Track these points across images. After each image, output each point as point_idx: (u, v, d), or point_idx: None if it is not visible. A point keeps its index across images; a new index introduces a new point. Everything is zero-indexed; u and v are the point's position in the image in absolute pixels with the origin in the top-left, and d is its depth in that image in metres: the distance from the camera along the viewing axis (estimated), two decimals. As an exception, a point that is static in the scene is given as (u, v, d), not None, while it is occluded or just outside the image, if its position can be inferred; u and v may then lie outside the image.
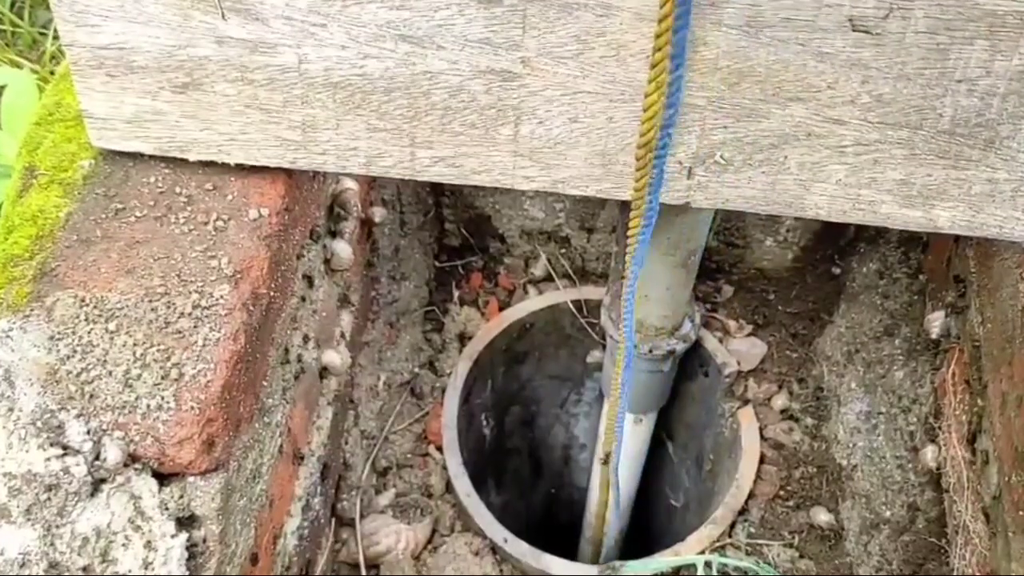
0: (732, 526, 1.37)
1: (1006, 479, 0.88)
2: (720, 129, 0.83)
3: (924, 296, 1.26)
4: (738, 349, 1.58)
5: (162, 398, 0.79)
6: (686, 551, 1.31)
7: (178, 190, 0.92)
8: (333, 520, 1.26)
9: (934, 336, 1.13)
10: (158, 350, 0.81)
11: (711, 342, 1.58)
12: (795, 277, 1.61)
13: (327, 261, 1.11)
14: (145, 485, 0.79)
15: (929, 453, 1.10)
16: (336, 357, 1.13)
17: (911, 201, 0.85)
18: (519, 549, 1.31)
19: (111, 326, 0.82)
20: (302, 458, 1.09)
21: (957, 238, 1.12)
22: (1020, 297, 0.89)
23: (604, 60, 0.80)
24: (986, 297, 0.98)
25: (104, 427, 0.78)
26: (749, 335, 1.61)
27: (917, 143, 0.81)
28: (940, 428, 1.11)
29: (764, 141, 0.83)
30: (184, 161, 0.93)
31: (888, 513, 1.22)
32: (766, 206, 0.88)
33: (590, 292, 1.65)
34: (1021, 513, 0.84)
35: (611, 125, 0.84)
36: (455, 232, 1.66)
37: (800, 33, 0.76)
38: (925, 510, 1.15)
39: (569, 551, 1.73)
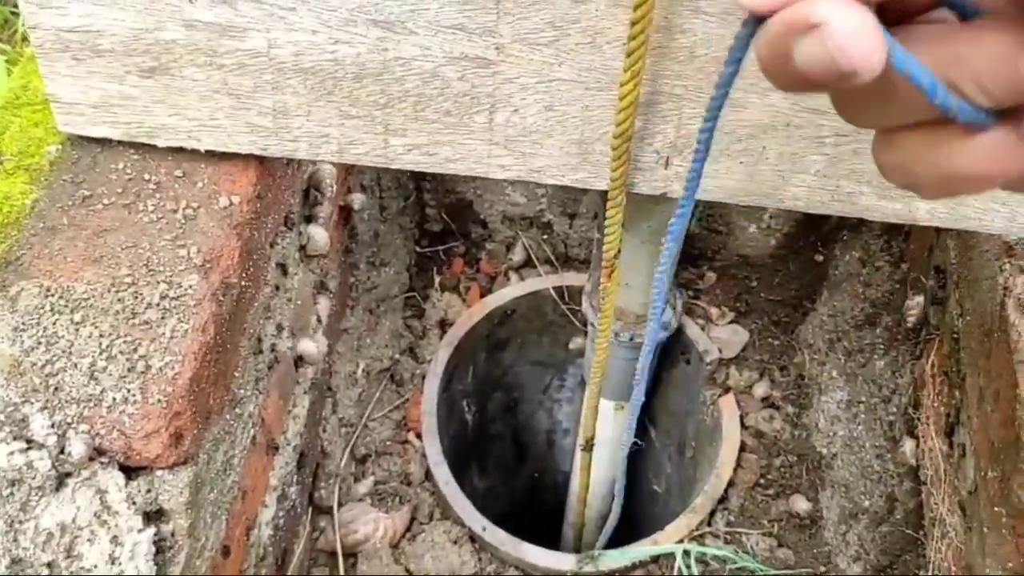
0: (712, 514, 1.37)
1: (982, 474, 0.88)
2: (698, 118, 0.81)
3: (906, 285, 1.25)
4: (720, 336, 1.57)
5: (128, 391, 0.78)
6: (664, 540, 1.31)
7: (147, 177, 0.90)
8: (310, 509, 1.25)
9: (911, 324, 1.13)
10: (125, 342, 0.80)
11: (693, 329, 1.57)
12: (778, 264, 1.60)
13: (302, 248, 1.09)
14: (111, 479, 0.78)
15: (907, 447, 1.10)
16: (312, 346, 1.11)
17: (890, 193, 0.84)
18: (498, 538, 1.31)
19: (77, 317, 0.81)
20: (277, 448, 1.07)
21: (939, 229, 1.11)
22: (999, 290, 0.88)
23: (579, 47, 0.78)
24: (965, 289, 0.98)
25: (69, 420, 0.77)
26: (731, 322, 1.60)
27: (897, 134, 0.80)
28: (919, 419, 1.11)
29: (742, 131, 0.82)
30: (153, 147, 0.91)
31: (867, 503, 1.21)
32: (744, 196, 0.86)
33: (572, 278, 1.64)
34: (996, 509, 0.83)
35: (587, 113, 0.82)
36: (436, 218, 1.64)
37: (779, 22, 0.74)
38: (903, 501, 1.15)
39: (554, 534, 1.73)
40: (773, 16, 0.29)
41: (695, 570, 1.28)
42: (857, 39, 0.27)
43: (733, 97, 0.80)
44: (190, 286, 0.83)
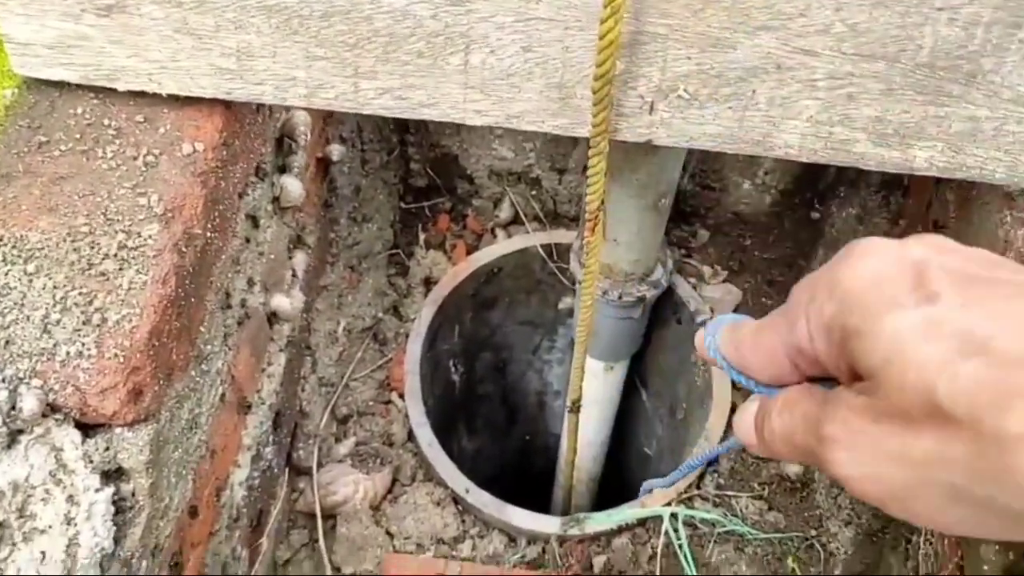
0: (701, 477, 1.34)
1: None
2: (684, 60, 0.77)
3: (903, 242, 1.21)
4: (712, 296, 1.54)
5: (83, 344, 0.74)
6: (652, 503, 1.28)
7: (106, 122, 0.86)
8: (288, 470, 1.22)
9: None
10: (80, 294, 0.76)
11: (684, 288, 1.53)
12: (773, 222, 1.56)
13: (275, 199, 1.05)
14: (67, 437, 0.74)
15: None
16: (286, 301, 1.07)
17: (887, 140, 0.80)
18: (481, 499, 1.28)
19: (30, 267, 0.77)
20: (250, 407, 1.04)
21: (938, 181, 1.07)
22: (1000, 244, 0.84)
23: (559, -17, 0.73)
24: (966, 242, 0.94)
25: (20, 375, 0.73)
26: (724, 281, 1.56)
27: (894, 77, 0.75)
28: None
29: (731, 74, 0.77)
30: (113, 91, 0.86)
31: (859, 465, 1.18)
32: (733, 144, 0.82)
33: (561, 236, 1.60)
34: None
35: (567, 55, 0.78)
36: (421, 172, 1.60)
37: (770, -46, 0.70)
38: (896, 463, 1.12)
39: (545, 497, 1.71)
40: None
41: (683, 533, 1.25)
42: (699, 343, 0.49)
43: (720, 37, 0.75)
44: (150, 236, 0.79)
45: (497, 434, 2.00)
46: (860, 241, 0.40)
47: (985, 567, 0.83)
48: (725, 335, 0.47)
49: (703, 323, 1.50)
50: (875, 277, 0.38)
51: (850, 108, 0.78)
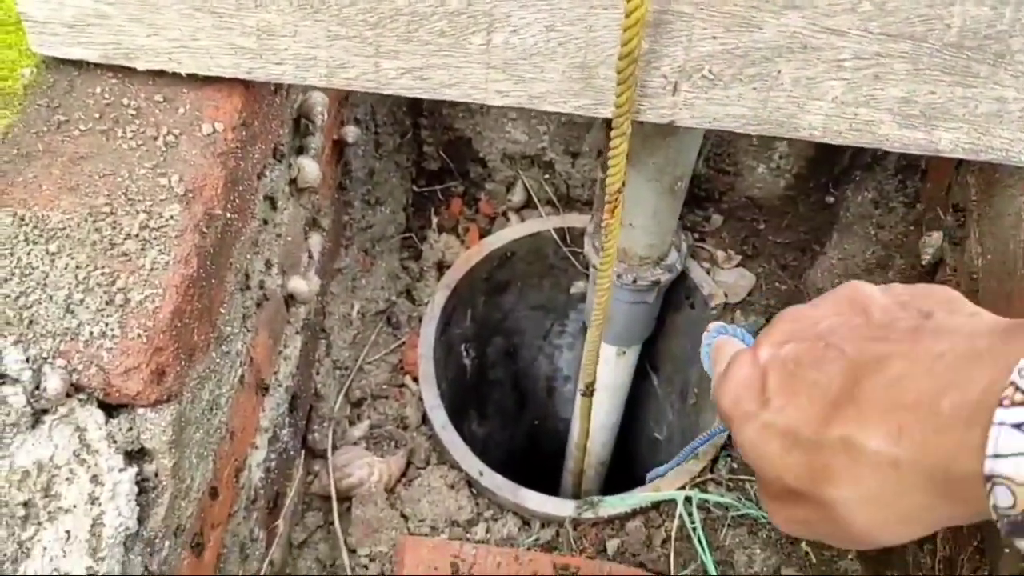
0: (714, 461, 1.34)
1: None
2: (709, 40, 0.76)
3: (921, 227, 1.21)
4: (726, 280, 1.53)
5: (106, 325, 0.74)
6: (666, 486, 1.28)
7: (126, 102, 0.85)
8: (304, 452, 1.22)
9: (926, 261, 1.08)
10: (102, 274, 0.76)
11: (698, 272, 1.53)
12: (787, 206, 1.55)
13: (293, 181, 1.05)
14: (90, 416, 0.74)
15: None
16: (303, 284, 1.07)
17: (912, 121, 0.79)
18: (495, 482, 1.28)
19: (52, 247, 0.77)
20: (267, 389, 1.04)
21: (959, 164, 1.06)
22: (1023, 227, 0.84)
23: (584, -39, 0.73)
24: (987, 226, 0.93)
25: (44, 355, 0.73)
26: (738, 265, 1.56)
27: (921, 57, 0.75)
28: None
29: (756, 54, 0.77)
30: (133, 71, 0.86)
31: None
32: (757, 126, 0.82)
33: (574, 220, 1.59)
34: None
35: (591, 34, 0.77)
36: (434, 155, 1.59)
37: (799, -68, 0.69)
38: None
39: (553, 481, 1.71)
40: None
41: (697, 517, 1.25)
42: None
43: (746, 16, 0.75)
44: (171, 216, 0.79)
45: (507, 419, 2.01)
46: (737, 354, 0.53)
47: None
48: (713, 353, 0.61)
49: (716, 307, 1.51)
50: (735, 396, 0.50)
51: (876, 89, 0.77)
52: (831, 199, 1.50)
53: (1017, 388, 0.37)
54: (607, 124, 0.84)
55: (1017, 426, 0.36)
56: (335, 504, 1.22)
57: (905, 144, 0.81)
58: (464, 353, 1.69)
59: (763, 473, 0.49)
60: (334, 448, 1.26)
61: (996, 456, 0.37)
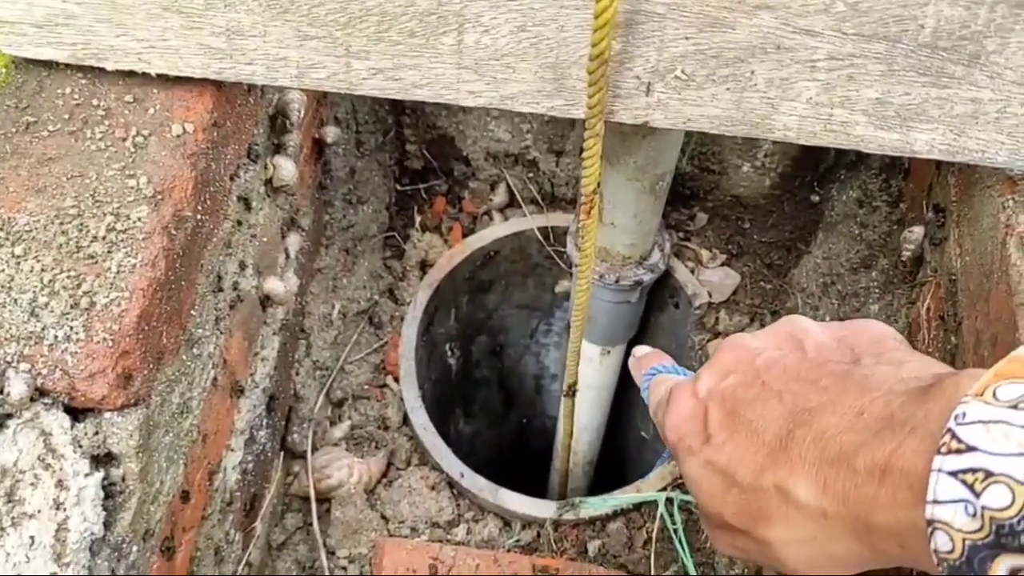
0: (697, 461, 1.33)
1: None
2: (681, 40, 0.75)
3: (903, 226, 1.20)
4: (710, 279, 1.53)
5: (71, 328, 0.73)
6: (647, 487, 1.28)
7: (95, 103, 0.84)
8: (283, 453, 1.21)
9: (906, 256, 1.08)
10: (68, 277, 0.75)
11: (682, 272, 1.52)
12: (772, 205, 1.55)
13: (268, 181, 1.04)
14: (56, 421, 0.74)
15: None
16: (279, 285, 1.06)
17: (887, 122, 0.79)
18: (476, 484, 1.27)
19: (18, 250, 0.76)
20: (242, 391, 1.03)
21: (939, 164, 1.05)
22: (1001, 228, 0.83)
23: (554, -40, 0.72)
24: (965, 227, 0.93)
25: (8, 359, 0.72)
26: (722, 265, 1.55)
27: (896, 58, 0.74)
28: (912, 364, 1.06)
29: (729, 54, 0.76)
30: (103, 71, 0.85)
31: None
32: (731, 126, 0.81)
33: (558, 219, 1.58)
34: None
35: (562, 35, 0.77)
36: (416, 154, 1.58)
37: (770, -69, 0.68)
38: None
39: (541, 481, 1.70)
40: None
41: (679, 518, 1.24)
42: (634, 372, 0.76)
43: (718, 17, 0.74)
44: (139, 218, 0.78)
45: (494, 418, 2.00)
46: (678, 385, 0.57)
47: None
48: (651, 390, 0.67)
49: (700, 307, 1.50)
50: (678, 431, 0.54)
51: (850, 90, 0.77)
52: (816, 198, 1.50)
53: (954, 435, 0.38)
54: (583, 125, 0.84)
55: (953, 473, 0.37)
56: (314, 505, 1.21)
57: (881, 145, 0.80)
58: (449, 352, 1.68)
59: (704, 507, 0.53)
60: (314, 449, 1.25)
61: (935, 502, 0.38)
